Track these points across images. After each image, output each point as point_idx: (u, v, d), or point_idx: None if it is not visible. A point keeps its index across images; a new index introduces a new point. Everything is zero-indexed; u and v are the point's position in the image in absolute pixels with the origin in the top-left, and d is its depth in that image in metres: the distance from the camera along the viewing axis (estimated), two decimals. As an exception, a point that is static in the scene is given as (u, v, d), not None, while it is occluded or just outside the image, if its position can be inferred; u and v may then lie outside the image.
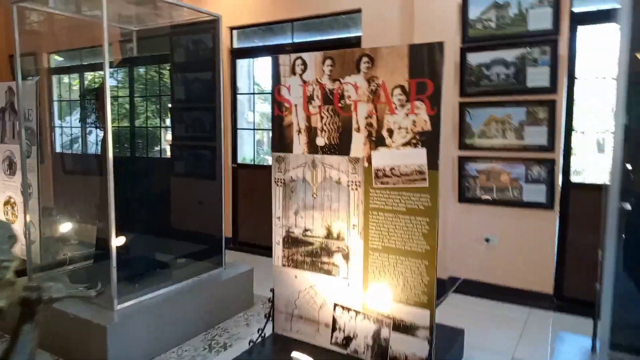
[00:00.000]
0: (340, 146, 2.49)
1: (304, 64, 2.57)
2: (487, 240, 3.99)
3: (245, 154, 5.58)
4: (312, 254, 2.61)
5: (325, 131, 2.53)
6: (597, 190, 3.66)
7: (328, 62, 2.48)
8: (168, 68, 4.92)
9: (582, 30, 3.59)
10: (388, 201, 2.36)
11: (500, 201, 3.89)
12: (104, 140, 2.71)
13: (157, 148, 5.44)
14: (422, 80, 2.22)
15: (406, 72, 2.26)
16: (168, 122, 5.17)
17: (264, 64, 5.36)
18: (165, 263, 3.50)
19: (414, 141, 2.27)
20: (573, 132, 3.72)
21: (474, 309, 3.72)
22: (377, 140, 2.37)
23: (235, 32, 5.27)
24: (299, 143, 2.63)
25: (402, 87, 2.28)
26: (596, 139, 4.11)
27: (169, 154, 5.11)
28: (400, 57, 2.27)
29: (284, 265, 2.71)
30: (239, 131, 5.46)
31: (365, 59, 2.36)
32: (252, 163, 5.50)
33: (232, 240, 5.35)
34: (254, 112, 5.49)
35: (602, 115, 4.00)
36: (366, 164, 2.41)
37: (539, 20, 3.60)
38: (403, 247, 2.33)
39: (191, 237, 3.90)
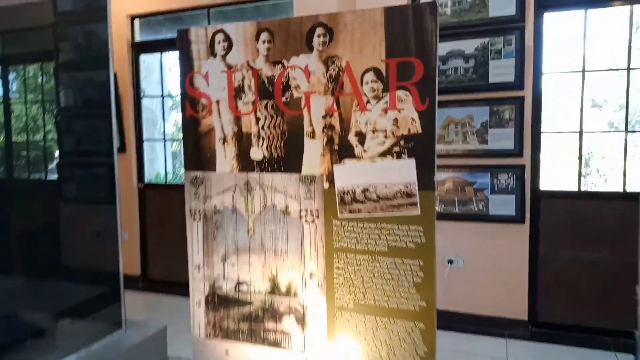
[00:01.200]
0: (287, 160, 1.70)
1: (228, 40, 1.74)
2: (450, 262, 3.39)
3: (161, 170, 4.58)
4: (250, 318, 1.78)
5: (263, 139, 1.73)
6: (571, 199, 3.21)
7: (264, 36, 1.68)
8: (50, 67, 3.82)
9: (548, 17, 3.12)
10: (361, 238, 1.60)
11: (464, 216, 3.31)
12: None
13: (41, 167, 4.25)
14: (406, 60, 1.50)
15: (382, 48, 1.53)
16: (54, 135, 4.04)
17: (174, 60, 4.42)
18: (38, 329, 2.45)
19: (396, 149, 1.54)
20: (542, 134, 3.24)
21: (445, 347, 3.08)
22: (341, 150, 1.62)
23: (137, 21, 4.28)
24: (225, 157, 1.80)
25: (376, 71, 1.55)
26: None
27: (55, 174, 3.98)
28: (371, 26, 1.53)
29: (208, 337, 1.85)
30: (149, 143, 4.45)
31: (320, 30, 1.60)
32: (164, 182, 4.50)
33: (142, 278, 4.30)
34: (164, 120, 4.50)
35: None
36: (327, 185, 1.64)
37: (502, 4, 3.09)
38: (386, 304, 1.58)
39: (78, 287, 2.86)
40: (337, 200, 1.62)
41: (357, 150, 1.59)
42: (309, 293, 1.68)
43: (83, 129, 3.16)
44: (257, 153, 1.74)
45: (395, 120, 1.53)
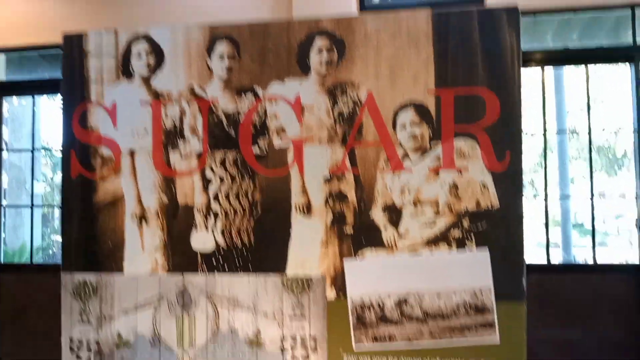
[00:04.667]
0: (260, 251, 0.94)
1: (156, 52, 0.99)
2: None
3: (27, 239, 3.32)
4: None
5: (217, 216, 0.96)
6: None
7: (223, 48, 0.96)
8: None
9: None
10: (400, 389, 0.88)
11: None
12: None
13: None
14: (469, 91, 0.90)
15: (429, 72, 0.91)
16: None
17: (53, 106, 3.39)
18: None
19: (457, 233, 0.89)
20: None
21: None
22: (359, 234, 0.92)
23: (2, 56, 3.20)
24: (143, 248, 0.98)
25: (419, 108, 0.91)
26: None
27: None
28: (411, 38, 0.92)
29: None
30: (13, 209, 3.23)
31: (322, 41, 0.94)
32: (29, 262, 3.24)
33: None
34: (34, 178, 3.35)
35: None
36: (332, 294, 0.91)
37: None
38: None
39: None
40: (352, 320, 0.90)
41: (387, 234, 0.90)
42: None
43: None
44: (204, 240, 0.95)
45: (454, 186, 0.89)
